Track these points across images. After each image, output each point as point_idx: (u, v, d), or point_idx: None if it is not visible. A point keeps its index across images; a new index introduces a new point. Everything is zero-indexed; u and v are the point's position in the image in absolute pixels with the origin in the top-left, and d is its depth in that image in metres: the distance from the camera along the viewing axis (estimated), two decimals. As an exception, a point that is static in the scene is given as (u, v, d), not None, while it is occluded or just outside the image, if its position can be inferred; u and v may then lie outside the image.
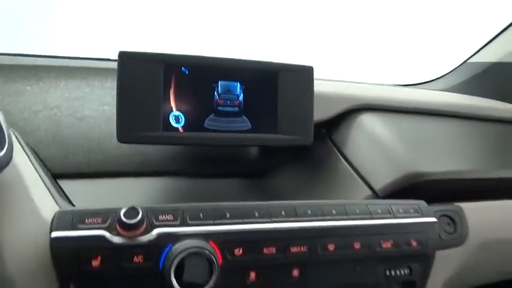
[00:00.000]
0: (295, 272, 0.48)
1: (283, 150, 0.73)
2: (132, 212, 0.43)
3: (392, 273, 0.52)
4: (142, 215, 0.43)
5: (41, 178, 0.48)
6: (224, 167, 0.72)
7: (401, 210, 0.53)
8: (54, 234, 0.42)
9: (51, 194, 0.47)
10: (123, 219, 0.42)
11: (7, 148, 0.35)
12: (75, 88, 0.69)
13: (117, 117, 0.56)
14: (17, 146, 0.45)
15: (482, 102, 0.86)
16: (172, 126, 0.60)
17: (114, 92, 0.71)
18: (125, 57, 0.56)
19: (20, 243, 0.42)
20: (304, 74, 0.64)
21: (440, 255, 0.55)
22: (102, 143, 0.64)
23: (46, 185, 0.48)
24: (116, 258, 0.42)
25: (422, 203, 0.55)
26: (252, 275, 0.47)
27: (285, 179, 0.73)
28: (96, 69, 0.72)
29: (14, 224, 0.42)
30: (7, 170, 0.41)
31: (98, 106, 0.69)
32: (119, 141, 0.56)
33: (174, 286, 0.42)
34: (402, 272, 0.52)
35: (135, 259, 0.43)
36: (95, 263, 0.42)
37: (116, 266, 0.42)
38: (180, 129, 0.60)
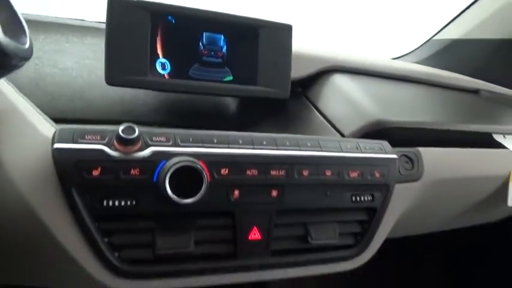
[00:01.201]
0: (274, 193, 0.54)
1: (262, 104, 0.78)
2: (129, 129, 0.47)
3: (358, 199, 0.58)
4: (138, 132, 0.47)
5: (33, 108, 0.51)
6: (205, 119, 0.77)
7: (367, 147, 0.60)
8: (57, 145, 0.45)
9: (46, 120, 0.50)
10: (121, 134, 0.46)
11: (29, 42, 0.39)
12: (54, 42, 0.71)
13: (105, 60, 0.58)
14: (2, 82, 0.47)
15: (443, 73, 0.96)
16: (159, 72, 0.64)
17: (95, 48, 0.74)
18: (114, 3, 0.59)
19: (24, 157, 0.45)
20: (283, 32, 0.69)
21: (399, 188, 0.62)
22: (86, 92, 0.67)
23: (39, 113, 0.51)
24: (114, 170, 0.46)
25: (385, 143, 0.62)
26: (236, 192, 0.52)
27: (262, 132, 0.79)
28: (74, 27, 0.74)
29: (14, 141, 0.45)
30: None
31: (79, 59, 0.71)
32: (107, 83, 0.59)
33: (169, 194, 0.46)
34: (366, 199, 0.59)
35: (132, 172, 0.47)
36: (95, 172, 0.46)
37: (114, 177, 0.46)
38: (166, 76, 0.64)
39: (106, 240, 0.47)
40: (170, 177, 0.46)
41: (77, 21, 0.78)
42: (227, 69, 0.68)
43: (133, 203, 0.47)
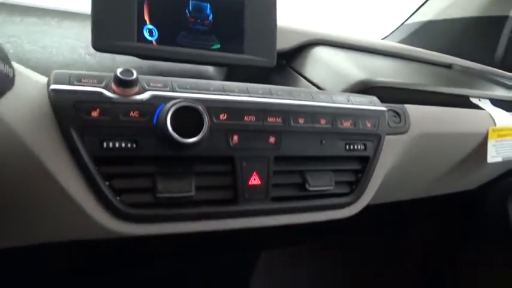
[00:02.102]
0: (272, 139, 0.55)
1: (248, 76, 0.79)
2: (127, 72, 0.47)
3: (351, 147, 0.60)
4: (136, 75, 0.47)
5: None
6: None
7: (357, 100, 0.62)
8: (53, 86, 0.45)
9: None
10: (120, 76, 0.46)
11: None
12: (32, 24, 0.70)
13: (92, 25, 0.58)
14: None
15: (418, 49, 1.00)
16: (146, 38, 0.64)
17: (75, 30, 0.74)
18: None
19: (20, 102, 0.44)
20: (268, 2, 0.71)
21: (388, 139, 0.64)
22: (68, 68, 0.66)
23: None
24: (114, 112, 0.46)
25: (374, 97, 0.65)
26: (235, 137, 0.52)
27: None
28: (52, 11, 0.74)
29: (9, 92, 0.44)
30: None
31: (59, 39, 0.70)
32: (94, 48, 0.59)
33: (171, 133, 0.46)
34: (359, 147, 0.60)
35: (131, 114, 0.47)
36: (94, 113, 0.45)
37: (114, 118, 0.46)
38: (154, 42, 0.65)
39: (107, 183, 0.46)
40: (171, 118, 0.46)
41: (54, 6, 0.77)
42: (214, 37, 0.69)
43: (134, 145, 0.47)
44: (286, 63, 0.83)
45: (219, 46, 0.69)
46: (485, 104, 0.85)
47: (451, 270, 1.23)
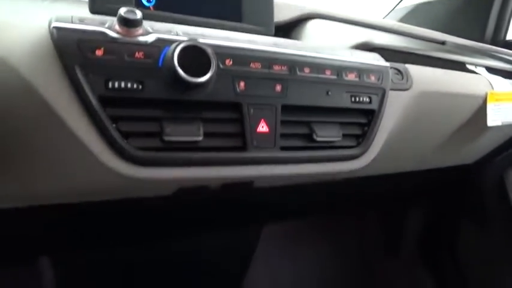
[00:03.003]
0: (278, 87, 0.54)
1: None
2: (131, 12, 0.46)
3: (357, 99, 0.60)
4: (140, 16, 0.46)
5: None
6: None
7: (361, 56, 0.62)
8: (55, 24, 0.43)
9: None
10: (123, 15, 0.45)
11: None
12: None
13: None
14: None
15: (413, 27, 1.01)
16: (144, 4, 0.63)
17: (59, 5, 0.72)
18: None
19: (21, 41, 0.42)
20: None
21: (392, 94, 0.64)
22: None
23: None
24: (118, 51, 0.45)
25: (377, 55, 0.65)
26: (242, 84, 0.51)
27: None
28: None
29: (9, 31, 0.43)
30: None
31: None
32: (90, 12, 0.58)
33: (178, 72, 0.45)
34: (364, 100, 0.60)
35: (136, 55, 0.46)
36: (99, 52, 0.44)
37: (118, 58, 0.45)
38: (151, 8, 0.64)
39: (114, 126, 0.45)
40: (178, 58, 0.45)
41: None
42: (212, 4, 0.68)
43: (139, 87, 0.46)
44: (283, 36, 0.83)
45: (217, 14, 0.68)
46: (482, 71, 0.86)
47: (449, 247, 1.23)
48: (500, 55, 0.99)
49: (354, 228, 1.38)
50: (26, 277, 1.05)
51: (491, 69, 0.88)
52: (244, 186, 0.66)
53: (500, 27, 1.16)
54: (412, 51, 0.74)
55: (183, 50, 0.46)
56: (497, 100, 0.81)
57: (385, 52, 0.69)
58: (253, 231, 0.95)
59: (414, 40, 0.96)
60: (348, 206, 1.13)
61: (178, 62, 0.45)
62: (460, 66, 0.82)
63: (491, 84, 0.82)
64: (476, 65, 0.86)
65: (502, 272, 1.14)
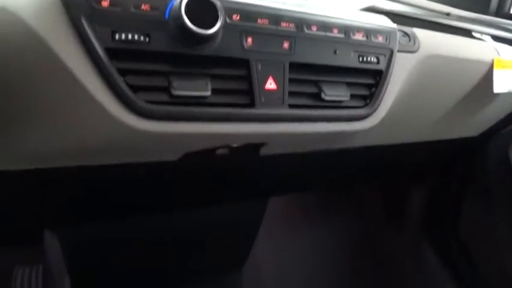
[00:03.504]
0: (286, 44, 0.53)
1: None
2: None
3: (365, 59, 0.59)
4: None
5: None
6: None
7: (369, 17, 0.62)
8: None
9: None
10: None
11: None
12: None
13: None
14: None
15: None
16: None
17: None
18: None
19: None
20: None
21: (399, 56, 0.64)
22: None
23: None
24: (124, 3, 0.44)
25: (383, 17, 0.64)
26: (249, 40, 0.51)
27: None
28: None
29: None
30: None
31: None
32: None
33: (186, 23, 0.44)
34: (372, 60, 0.60)
35: (142, 7, 0.45)
36: (104, 3, 0.43)
37: (124, 9, 0.44)
38: None
39: (122, 79, 0.44)
40: (185, 9, 0.44)
41: None
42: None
43: (146, 39, 0.45)
44: None
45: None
46: (488, 39, 0.85)
47: (452, 223, 1.24)
48: (505, 25, 0.98)
49: (358, 204, 1.38)
50: (29, 247, 1.06)
51: (496, 38, 0.87)
52: (250, 150, 0.66)
53: (504, 1, 1.15)
54: (419, 17, 0.73)
55: (190, 2, 0.45)
56: (503, 67, 0.81)
57: (392, 17, 0.69)
58: (258, 206, 0.95)
59: (419, 10, 0.95)
60: (351, 179, 1.13)
61: (185, 13, 0.45)
62: (466, 34, 0.81)
63: (497, 51, 0.82)
64: (482, 33, 0.85)
65: (505, 248, 1.15)
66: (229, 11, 0.50)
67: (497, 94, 0.85)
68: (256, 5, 0.52)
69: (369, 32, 0.59)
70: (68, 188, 0.63)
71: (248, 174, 0.80)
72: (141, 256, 0.86)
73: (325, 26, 0.56)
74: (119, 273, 0.86)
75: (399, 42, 0.64)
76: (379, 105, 0.61)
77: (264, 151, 0.70)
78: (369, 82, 0.61)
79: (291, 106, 0.54)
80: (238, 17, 0.50)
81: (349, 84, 0.59)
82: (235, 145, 0.64)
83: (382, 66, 0.61)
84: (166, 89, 0.47)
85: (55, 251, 1.06)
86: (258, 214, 0.96)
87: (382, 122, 0.64)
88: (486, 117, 0.97)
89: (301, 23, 0.54)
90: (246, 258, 1.01)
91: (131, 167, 0.61)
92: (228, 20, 0.49)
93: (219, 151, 0.67)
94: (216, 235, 0.92)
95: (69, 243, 0.80)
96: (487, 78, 0.80)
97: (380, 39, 0.60)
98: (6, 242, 1.07)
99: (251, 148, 0.66)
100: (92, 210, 0.72)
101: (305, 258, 1.31)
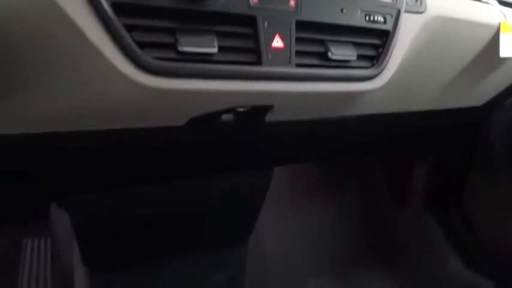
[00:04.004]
0: (292, 2, 0.52)
1: None
2: None
3: (372, 18, 0.58)
4: None
5: None
6: None
7: None
8: None
9: None
10: None
11: None
12: None
13: None
14: None
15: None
16: None
17: None
18: None
19: None
20: None
21: (406, 17, 0.63)
22: None
23: None
24: None
25: None
26: (255, -4, 0.50)
27: None
28: None
29: None
30: None
31: None
32: None
33: None
34: (379, 19, 0.59)
35: None
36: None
37: None
38: None
39: (129, 35, 0.44)
40: None
41: None
42: None
43: None
44: None
45: None
46: (494, 3, 0.84)
47: (456, 196, 1.24)
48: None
49: (361, 177, 1.38)
50: (37, 222, 1.07)
51: (502, 2, 0.86)
52: (256, 116, 0.66)
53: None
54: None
55: None
56: (510, 31, 0.80)
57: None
58: (263, 177, 0.96)
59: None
60: (356, 149, 1.13)
61: None
62: (472, -1, 0.80)
63: (504, 15, 0.81)
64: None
65: (509, 218, 1.15)
66: None
67: (503, 60, 0.84)
68: None
69: None
70: (73, 155, 0.63)
71: (253, 143, 0.80)
72: (147, 226, 0.86)
73: None
74: (125, 243, 0.87)
75: (406, 2, 0.63)
76: (385, 66, 0.61)
77: (269, 117, 0.70)
78: (376, 42, 0.60)
79: (298, 65, 0.54)
80: None
81: (356, 45, 0.58)
82: (241, 109, 0.64)
83: (389, 26, 0.60)
84: (173, 46, 0.46)
85: (62, 222, 1.07)
86: (263, 185, 0.96)
87: (388, 84, 0.64)
88: (491, 85, 0.97)
89: None
90: (252, 229, 1.02)
91: (137, 133, 0.61)
92: None
93: (224, 117, 0.67)
94: (222, 205, 0.93)
95: (77, 214, 0.80)
96: (494, 42, 0.80)
97: None
98: (15, 217, 1.08)
99: (256, 113, 0.66)
100: (98, 178, 0.72)
101: (308, 230, 1.32)
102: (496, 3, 0.86)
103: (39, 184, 0.71)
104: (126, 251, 0.89)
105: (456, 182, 1.25)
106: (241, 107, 0.62)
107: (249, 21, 0.51)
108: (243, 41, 0.51)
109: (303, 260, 1.27)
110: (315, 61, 0.56)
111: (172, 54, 0.46)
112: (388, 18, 0.60)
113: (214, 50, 0.48)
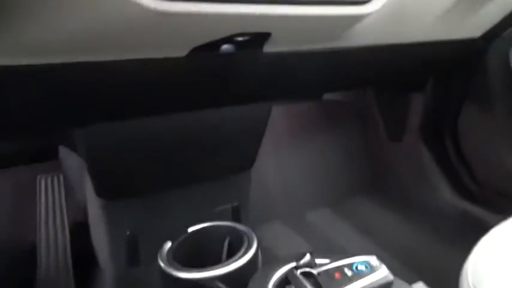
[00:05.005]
0: None
1: None
2: None
3: None
4: None
5: None
6: None
7: None
8: None
9: None
10: None
11: None
12: None
13: None
14: None
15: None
16: None
17: None
18: None
19: None
20: None
21: None
22: None
23: None
24: None
25: None
26: None
27: None
28: None
29: None
30: None
31: None
32: None
33: None
34: None
35: None
36: None
37: None
38: None
39: None
40: None
41: None
42: None
43: None
44: None
45: None
46: None
47: (451, 129, 1.27)
48: None
49: (357, 114, 1.42)
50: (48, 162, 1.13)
51: None
52: (254, 44, 0.68)
53: None
54: None
55: None
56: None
57: None
58: (262, 109, 0.99)
59: None
60: (354, 84, 1.15)
61: None
62: None
63: None
64: None
65: (502, 149, 1.19)
66: None
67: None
68: None
69: None
70: (77, 88, 0.66)
71: (252, 75, 0.82)
72: (154, 158, 0.91)
73: None
74: (134, 174, 0.92)
75: None
76: None
77: (267, 48, 0.72)
78: None
79: None
80: None
81: None
82: (239, 38, 0.66)
83: None
84: None
85: (71, 161, 1.13)
86: (263, 116, 1.00)
87: (384, 10, 0.65)
88: (487, 16, 0.97)
89: None
90: (254, 160, 1.07)
91: (140, 63, 0.64)
92: None
93: (224, 47, 0.69)
94: (224, 137, 0.97)
95: (87, 148, 0.84)
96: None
97: None
98: (26, 158, 1.13)
99: (255, 42, 0.68)
100: (104, 111, 0.75)
101: (307, 164, 1.38)
102: None
103: (45, 120, 0.74)
104: (135, 182, 0.94)
105: (452, 113, 1.28)
106: (240, 35, 0.64)
107: None
108: None
109: (303, 192, 1.34)
110: None
111: None
112: None
113: None
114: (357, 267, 0.44)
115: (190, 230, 0.61)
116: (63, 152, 1.19)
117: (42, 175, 1.18)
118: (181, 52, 0.65)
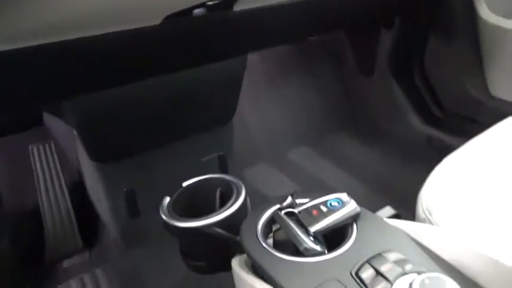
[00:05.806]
0: None
1: None
2: None
3: None
4: None
5: None
6: None
7: None
8: None
9: None
10: None
11: None
12: None
13: None
14: None
15: None
16: None
17: None
18: None
19: None
20: None
21: None
22: None
23: None
24: None
25: None
26: None
27: None
28: None
29: None
30: None
31: None
32: None
33: None
34: None
35: None
36: None
37: None
38: None
39: None
40: None
41: None
42: None
43: None
44: None
45: None
46: None
47: (419, 62, 1.34)
48: None
49: (330, 53, 1.46)
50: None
51: None
52: (225, 6, 0.71)
53: None
54: None
55: None
56: None
57: None
58: (238, 63, 1.03)
59: None
60: (325, 28, 1.18)
61: None
62: None
63: None
64: None
65: (464, 80, 1.26)
66: None
67: None
68: None
69: None
70: (67, 63, 0.69)
71: (226, 33, 0.86)
72: (141, 118, 0.96)
73: None
74: (124, 135, 0.97)
75: None
76: None
77: (238, 7, 0.75)
78: None
79: None
80: None
81: None
82: (210, 2, 0.70)
83: None
84: None
85: (58, 127, 1.17)
86: (240, 70, 1.04)
87: None
88: None
89: None
90: (234, 110, 1.12)
91: (120, 35, 0.67)
92: None
93: (196, 11, 0.73)
94: (205, 92, 1.02)
95: (78, 116, 0.89)
96: None
97: None
98: (14, 127, 1.17)
99: (225, 3, 0.71)
100: (91, 81, 0.79)
101: (285, 107, 1.44)
102: None
103: (36, 96, 0.77)
104: (126, 144, 1.00)
105: (419, 47, 1.33)
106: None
107: None
108: None
109: (283, 133, 1.42)
110: None
111: None
112: None
113: None
114: (330, 204, 0.51)
115: (184, 184, 0.68)
116: (48, 118, 1.22)
117: (33, 144, 1.23)
118: (156, 21, 0.69)
